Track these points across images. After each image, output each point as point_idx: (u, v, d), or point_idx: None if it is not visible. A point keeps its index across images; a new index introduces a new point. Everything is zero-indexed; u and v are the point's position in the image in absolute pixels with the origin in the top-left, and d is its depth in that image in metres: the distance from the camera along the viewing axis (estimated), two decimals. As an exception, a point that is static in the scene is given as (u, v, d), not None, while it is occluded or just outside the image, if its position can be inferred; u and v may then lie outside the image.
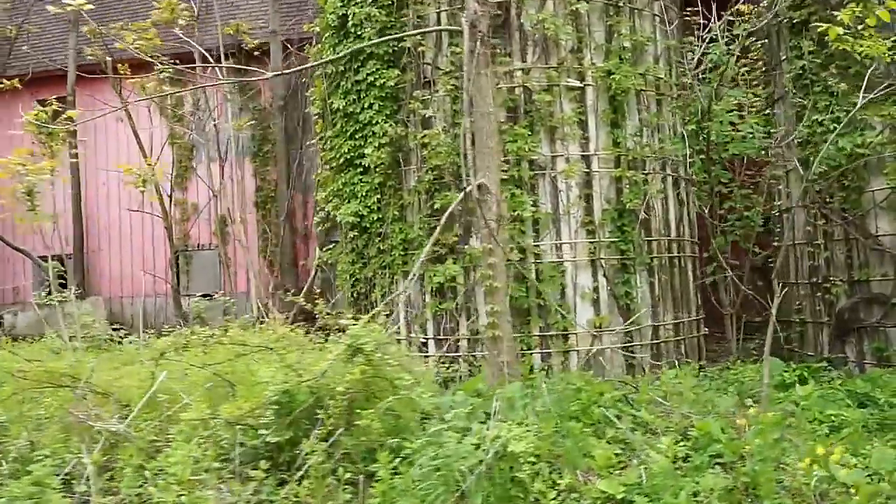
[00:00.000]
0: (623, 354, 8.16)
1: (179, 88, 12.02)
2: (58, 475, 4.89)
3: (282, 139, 14.51)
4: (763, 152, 7.15)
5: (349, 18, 8.64)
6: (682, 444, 5.11)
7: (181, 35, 11.88)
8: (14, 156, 9.54)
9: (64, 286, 16.02)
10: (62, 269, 12.50)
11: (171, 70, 10.71)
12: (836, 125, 6.98)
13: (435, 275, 8.14)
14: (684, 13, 9.52)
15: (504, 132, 8.04)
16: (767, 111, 7.49)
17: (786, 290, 6.57)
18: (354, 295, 9.06)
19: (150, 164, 13.47)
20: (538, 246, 8.08)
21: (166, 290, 15.18)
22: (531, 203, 8.02)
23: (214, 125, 14.26)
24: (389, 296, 8.70)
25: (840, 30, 5.11)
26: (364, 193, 8.69)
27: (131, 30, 11.20)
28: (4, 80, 14.24)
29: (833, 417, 5.80)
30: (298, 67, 8.39)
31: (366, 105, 8.60)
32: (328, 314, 6.25)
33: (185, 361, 5.97)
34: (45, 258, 15.99)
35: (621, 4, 8.49)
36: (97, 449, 5.24)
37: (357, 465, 4.92)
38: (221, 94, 14.51)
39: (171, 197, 14.26)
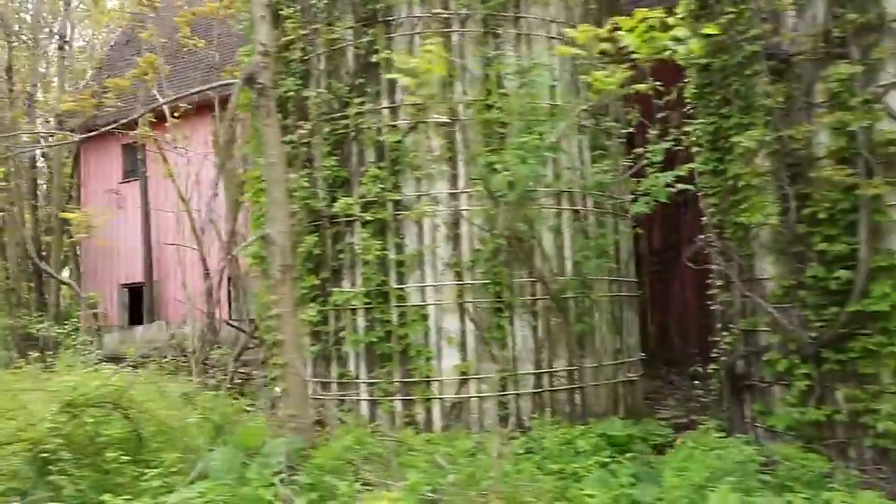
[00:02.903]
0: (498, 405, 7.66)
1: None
2: None
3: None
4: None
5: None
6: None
7: (155, 93, 12.89)
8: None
9: (140, 312, 17.97)
10: (98, 298, 14.10)
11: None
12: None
13: (304, 318, 8.17)
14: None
15: (365, 173, 7.94)
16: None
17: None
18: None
19: (183, 200, 14.69)
20: (402, 289, 7.82)
21: (220, 315, 16.38)
22: (394, 245, 7.81)
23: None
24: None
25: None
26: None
27: (107, 89, 12.31)
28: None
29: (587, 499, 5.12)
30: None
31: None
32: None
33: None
34: (127, 286, 18.07)
35: (499, 31, 8.02)
36: None
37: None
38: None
39: (202, 230, 15.35)
